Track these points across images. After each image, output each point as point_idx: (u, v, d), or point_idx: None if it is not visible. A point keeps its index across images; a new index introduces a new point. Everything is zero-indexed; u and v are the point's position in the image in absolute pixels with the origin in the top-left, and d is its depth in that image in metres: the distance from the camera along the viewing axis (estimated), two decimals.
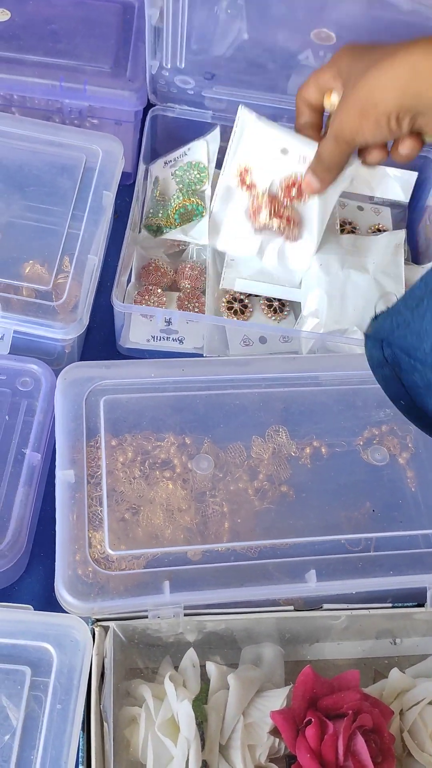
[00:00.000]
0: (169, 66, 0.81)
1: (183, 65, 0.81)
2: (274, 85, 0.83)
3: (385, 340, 0.42)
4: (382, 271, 0.78)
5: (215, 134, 0.84)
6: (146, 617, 0.55)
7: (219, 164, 0.81)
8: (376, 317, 0.44)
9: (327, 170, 0.69)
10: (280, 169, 0.74)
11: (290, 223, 0.75)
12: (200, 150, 0.83)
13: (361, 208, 0.90)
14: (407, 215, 0.90)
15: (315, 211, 0.75)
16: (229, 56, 0.80)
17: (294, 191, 0.74)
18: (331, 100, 0.66)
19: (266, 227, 0.75)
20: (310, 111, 0.69)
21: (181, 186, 0.82)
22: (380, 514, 0.66)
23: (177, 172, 0.82)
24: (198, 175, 0.82)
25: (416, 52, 0.55)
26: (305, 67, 0.80)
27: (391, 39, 0.61)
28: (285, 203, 0.75)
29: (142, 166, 0.82)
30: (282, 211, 0.75)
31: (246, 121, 0.74)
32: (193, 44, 0.79)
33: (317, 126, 0.71)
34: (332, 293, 0.76)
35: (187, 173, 0.82)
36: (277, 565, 0.59)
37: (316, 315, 0.76)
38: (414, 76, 0.55)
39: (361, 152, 0.68)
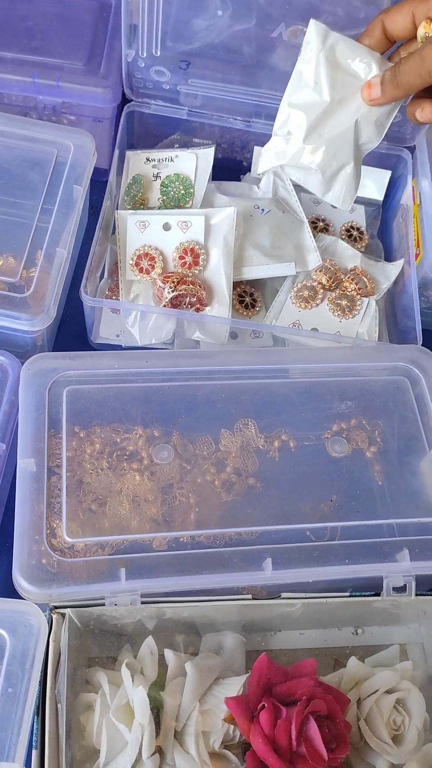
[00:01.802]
0: (144, 54, 0.82)
1: (159, 52, 0.82)
2: (251, 74, 0.84)
3: None
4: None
5: (207, 153, 0.84)
6: (104, 604, 0.56)
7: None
8: None
9: (396, 87, 0.65)
10: (168, 243, 0.78)
11: (198, 286, 0.76)
12: (188, 162, 0.83)
13: (335, 206, 0.91)
14: (381, 213, 0.91)
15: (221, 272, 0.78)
16: (205, 43, 0.80)
17: (189, 258, 0.77)
18: (421, 33, 0.62)
19: (175, 301, 0.76)
20: (382, 36, 0.66)
21: (164, 198, 0.82)
22: (345, 506, 0.66)
23: (164, 181, 0.82)
24: (183, 192, 0.82)
25: None
26: (281, 51, 0.81)
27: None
28: (184, 273, 0.77)
29: (115, 165, 0.83)
30: (185, 279, 0.76)
31: (125, 222, 0.78)
32: (169, 32, 0.80)
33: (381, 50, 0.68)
34: (314, 120, 0.69)
35: (174, 186, 0.82)
36: (235, 553, 0.60)
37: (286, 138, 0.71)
38: None
39: (414, 104, 0.66)
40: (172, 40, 0.81)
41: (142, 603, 0.57)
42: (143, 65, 0.83)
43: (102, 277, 0.82)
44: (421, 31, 0.62)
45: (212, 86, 0.86)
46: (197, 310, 0.77)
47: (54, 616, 0.56)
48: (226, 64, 0.83)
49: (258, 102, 0.86)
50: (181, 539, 0.63)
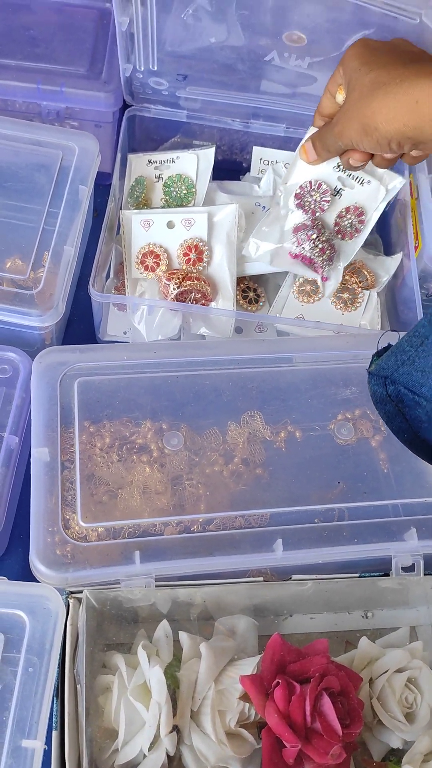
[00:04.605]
0: (142, 68, 0.84)
1: (156, 67, 0.84)
2: (246, 85, 0.86)
3: (389, 377, 0.43)
4: None
5: (208, 153, 0.85)
6: (119, 588, 0.57)
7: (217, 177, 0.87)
8: (378, 355, 0.45)
9: (326, 150, 0.71)
10: (173, 241, 0.80)
11: (202, 282, 0.78)
12: (190, 163, 0.85)
13: None
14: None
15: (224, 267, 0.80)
16: (201, 58, 0.83)
17: (193, 255, 0.79)
18: (338, 100, 0.67)
19: (180, 297, 0.78)
20: (324, 120, 0.71)
21: (167, 198, 0.84)
22: (352, 490, 0.67)
23: (167, 182, 0.84)
24: (186, 192, 0.84)
25: (420, 85, 0.55)
26: (275, 67, 0.83)
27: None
28: (189, 269, 0.79)
29: (118, 167, 0.85)
30: (190, 275, 0.78)
31: (129, 222, 0.80)
32: (164, 48, 0.81)
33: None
34: None
35: (176, 186, 0.84)
36: (246, 535, 0.61)
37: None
38: (416, 111, 0.55)
39: (346, 152, 0.70)
40: (168, 58, 0.83)
41: (156, 586, 0.58)
42: (141, 77, 0.85)
43: (108, 276, 0.84)
44: (339, 98, 0.66)
45: (210, 92, 0.88)
46: (203, 305, 0.79)
47: (71, 600, 0.57)
48: (222, 75, 0.85)
49: (256, 105, 0.89)
50: (191, 527, 0.65)
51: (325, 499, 0.67)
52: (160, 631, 0.59)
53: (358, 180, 0.77)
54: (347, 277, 0.81)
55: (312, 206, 0.78)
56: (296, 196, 0.78)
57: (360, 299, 0.81)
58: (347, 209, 0.78)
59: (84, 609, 0.56)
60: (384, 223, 0.92)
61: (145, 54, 0.82)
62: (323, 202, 0.77)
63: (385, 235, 0.91)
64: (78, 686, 0.53)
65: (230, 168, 0.96)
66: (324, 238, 0.77)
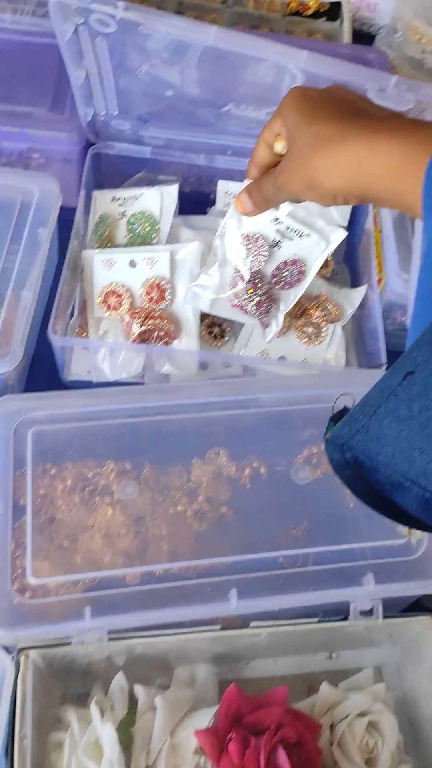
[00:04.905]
0: (103, 113, 0.84)
1: (116, 112, 0.84)
2: (208, 126, 0.86)
3: (345, 444, 0.43)
4: None
5: (171, 190, 0.85)
6: (70, 644, 0.57)
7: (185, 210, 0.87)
8: (333, 420, 0.45)
9: (264, 201, 0.70)
10: (135, 280, 0.80)
11: (165, 320, 0.78)
12: (153, 200, 0.85)
13: None
14: (346, 238, 0.92)
15: (187, 308, 0.80)
16: (160, 106, 0.83)
17: (155, 294, 0.79)
18: (276, 149, 0.66)
19: (143, 336, 0.77)
20: (260, 171, 0.68)
21: (131, 236, 0.84)
22: (311, 535, 0.67)
23: (130, 219, 0.84)
24: (149, 229, 0.84)
25: (360, 144, 0.53)
26: (234, 115, 0.83)
27: None
28: (151, 308, 0.79)
29: (81, 205, 0.85)
30: (153, 314, 0.78)
31: (91, 262, 0.80)
32: (123, 96, 0.82)
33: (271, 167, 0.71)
34: None
35: (140, 224, 0.84)
36: (201, 585, 0.60)
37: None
38: (359, 171, 0.53)
39: None
40: (128, 105, 0.83)
41: (111, 639, 0.58)
42: (103, 119, 0.86)
43: (73, 314, 0.84)
44: (278, 148, 0.65)
45: (173, 132, 0.88)
46: (166, 343, 0.79)
47: (22, 658, 0.56)
48: (183, 120, 0.86)
49: (220, 142, 0.89)
50: (152, 573, 0.64)
51: (286, 542, 0.66)
52: (115, 684, 0.58)
53: (297, 233, 0.76)
54: (311, 311, 0.81)
55: (250, 260, 0.77)
56: (233, 248, 0.77)
57: (324, 333, 0.81)
58: (285, 262, 0.77)
59: (33, 669, 0.55)
60: (352, 253, 0.92)
61: (104, 102, 0.83)
62: (261, 257, 0.77)
63: (353, 266, 0.91)
64: (25, 745, 0.53)
65: (198, 200, 0.96)
66: (262, 292, 0.76)
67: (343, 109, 0.57)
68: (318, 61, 0.66)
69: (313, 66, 0.66)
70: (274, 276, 0.78)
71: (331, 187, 0.57)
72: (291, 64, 0.68)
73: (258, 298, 0.77)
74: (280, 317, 0.79)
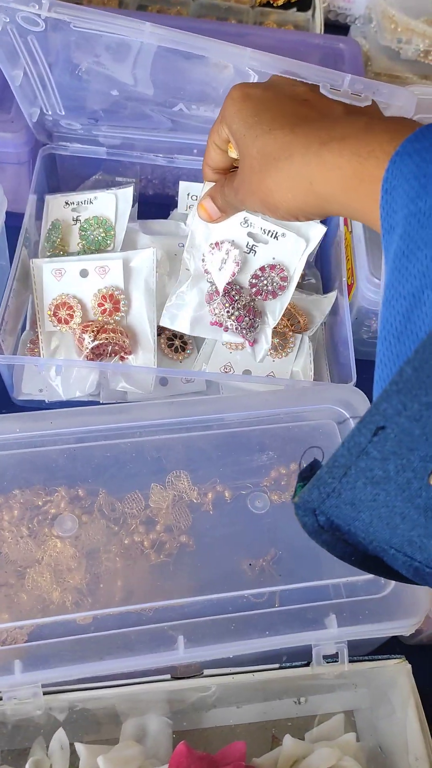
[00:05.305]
0: (49, 112, 0.78)
1: (63, 113, 0.78)
2: (162, 124, 0.81)
3: (317, 509, 0.37)
4: None
5: (126, 193, 0.79)
6: (0, 699, 0.51)
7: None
8: (301, 480, 0.39)
9: (230, 207, 0.65)
10: (87, 291, 0.74)
11: (119, 334, 0.72)
12: (108, 204, 0.79)
13: None
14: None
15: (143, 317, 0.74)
16: (108, 106, 0.77)
17: (108, 305, 0.73)
18: (231, 155, 0.62)
19: (96, 351, 0.72)
20: (217, 175, 0.64)
21: (84, 243, 0.78)
22: (282, 562, 0.61)
23: (83, 226, 0.79)
24: (104, 234, 0.78)
25: (310, 163, 0.48)
26: (186, 114, 0.78)
27: None
28: (105, 320, 0.73)
29: (32, 210, 0.79)
30: (106, 327, 0.72)
31: (40, 271, 0.75)
32: (68, 96, 0.76)
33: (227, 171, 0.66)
34: None
35: (93, 230, 0.78)
36: (144, 632, 0.55)
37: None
38: (311, 192, 0.48)
39: None
40: (74, 105, 0.77)
41: (48, 693, 0.52)
42: (51, 119, 0.80)
43: (24, 328, 0.78)
44: (232, 154, 0.61)
45: (127, 131, 0.82)
46: (121, 358, 0.73)
47: None
48: (135, 120, 0.80)
49: (183, 141, 0.83)
50: (106, 614, 0.59)
51: (248, 578, 0.61)
52: (55, 742, 0.53)
53: (271, 234, 0.69)
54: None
55: (222, 271, 0.70)
56: (204, 260, 0.70)
57: (291, 344, 0.75)
58: (263, 269, 0.70)
59: None
60: (324, 256, 0.86)
61: (48, 101, 0.77)
62: (232, 265, 0.69)
63: (325, 270, 0.85)
64: None
65: (162, 203, 0.90)
66: (240, 305, 0.69)
67: (289, 113, 0.51)
68: (264, 59, 0.60)
69: (259, 64, 0.60)
70: (253, 286, 0.71)
71: (288, 207, 0.52)
72: (235, 62, 0.63)
73: (237, 313, 0.70)
74: (269, 331, 0.72)
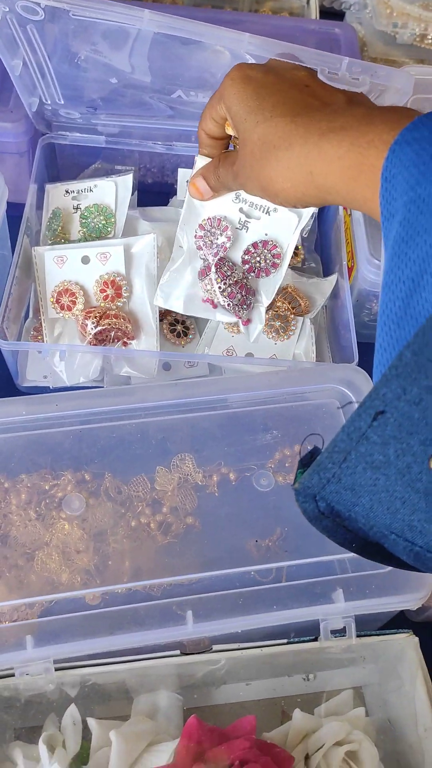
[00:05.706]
0: (48, 102, 0.79)
1: (62, 102, 0.79)
2: (161, 112, 0.81)
3: (318, 494, 0.37)
4: None
5: (126, 180, 0.80)
6: (13, 675, 0.52)
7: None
8: (302, 466, 0.39)
9: (223, 186, 0.66)
10: (88, 277, 0.74)
11: (122, 319, 0.73)
12: (108, 191, 0.80)
13: None
14: (317, 225, 0.87)
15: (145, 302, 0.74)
16: (107, 94, 0.77)
17: (110, 291, 0.73)
18: (228, 132, 0.62)
19: (99, 336, 0.72)
20: (212, 140, 0.64)
21: (85, 231, 0.79)
22: (288, 541, 0.62)
23: (84, 213, 0.79)
24: (104, 222, 0.78)
25: (310, 154, 0.48)
26: (185, 101, 0.78)
27: None
28: (107, 306, 0.73)
29: (33, 199, 0.79)
30: (108, 313, 0.72)
31: (42, 259, 0.75)
32: (67, 84, 0.76)
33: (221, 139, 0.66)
34: None
35: (94, 218, 0.78)
36: (152, 607, 0.55)
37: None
38: (312, 182, 0.49)
39: None
40: (73, 93, 0.78)
41: (60, 669, 0.53)
42: (50, 108, 0.80)
43: (27, 316, 0.79)
44: (229, 131, 0.61)
45: (126, 119, 0.83)
46: (124, 344, 0.74)
47: None
48: (134, 108, 0.80)
49: (177, 128, 0.83)
50: (115, 591, 0.59)
51: (256, 556, 0.61)
52: (67, 718, 0.53)
53: (263, 209, 0.69)
54: (279, 304, 0.76)
55: (214, 247, 0.70)
56: (196, 237, 0.71)
57: (293, 326, 0.75)
58: (255, 245, 0.70)
59: None
60: (324, 240, 0.87)
61: (47, 91, 0.77)
62: (224, 240, 0.70)
63: (325, 254, 0.86)
64: None
65: (161, 191, 0.91)
66: (233, 281, 0.69)
67: (290, 100, 0.51)
68: (262, 44, 0.60)
69: (257, 49, 0.60)
70: (245, 263, 0.71)
71: (287, 196, 0.52)
72: (233, 48, 0.63)
73: (229, 289, 0.70)
74: (262, 310, 0.72)
